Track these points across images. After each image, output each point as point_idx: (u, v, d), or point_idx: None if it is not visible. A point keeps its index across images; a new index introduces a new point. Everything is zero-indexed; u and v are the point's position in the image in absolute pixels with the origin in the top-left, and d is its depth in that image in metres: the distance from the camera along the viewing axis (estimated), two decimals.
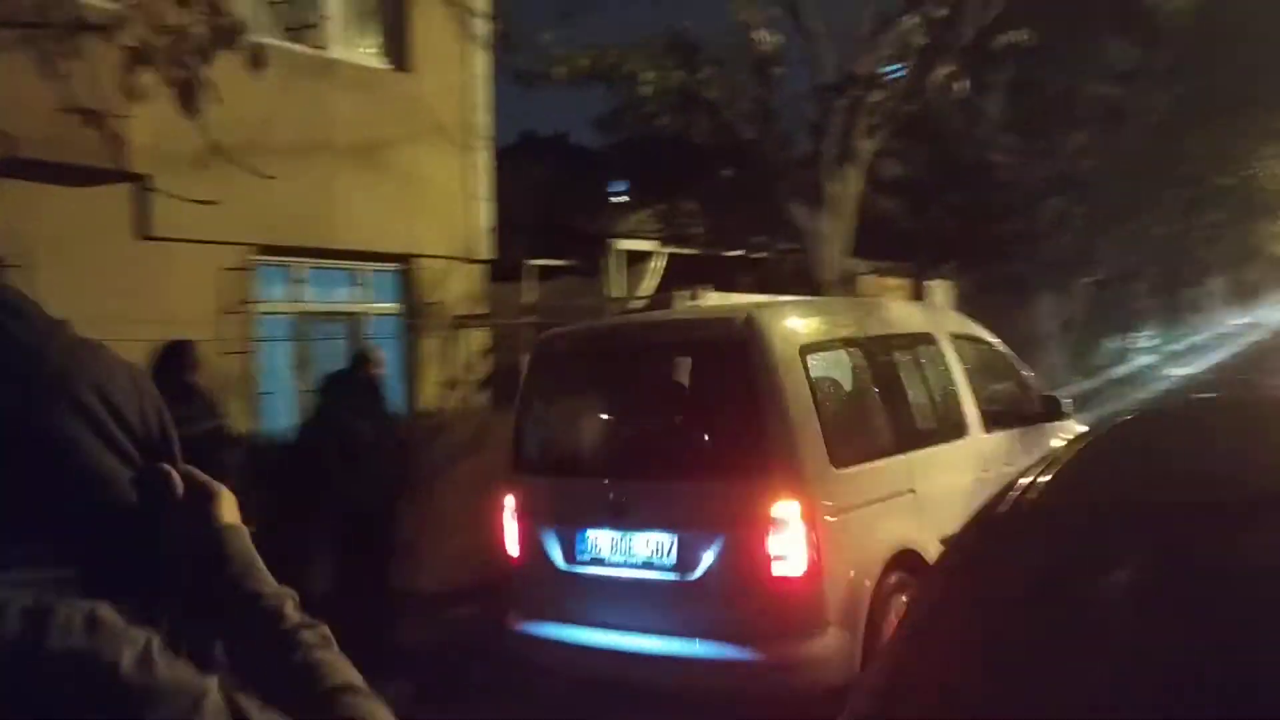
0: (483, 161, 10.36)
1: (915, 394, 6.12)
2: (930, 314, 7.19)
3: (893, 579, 5.15)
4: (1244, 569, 1.74)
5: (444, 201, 9.91)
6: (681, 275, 11.44)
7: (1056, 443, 6.40)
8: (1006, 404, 6.88)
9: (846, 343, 5.84)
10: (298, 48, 8.75)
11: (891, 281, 13.99)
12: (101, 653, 0.86)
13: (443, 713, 5.67)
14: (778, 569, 4.86)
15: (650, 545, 5.19)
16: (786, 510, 4.86)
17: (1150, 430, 2.83)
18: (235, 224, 7.77)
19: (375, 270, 9.51)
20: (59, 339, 1.01)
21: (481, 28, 10.32)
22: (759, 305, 5.94)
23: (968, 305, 14.02)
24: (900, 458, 5.63)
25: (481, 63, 10.38)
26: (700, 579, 5.02)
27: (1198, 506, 1.91)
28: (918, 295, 14.67)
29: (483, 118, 10.40)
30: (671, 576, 5.11)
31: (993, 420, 6.50)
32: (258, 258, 8.36)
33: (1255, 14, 21.27)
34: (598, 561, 5.37)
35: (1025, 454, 6.18)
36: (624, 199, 25.56)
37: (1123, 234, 18.58)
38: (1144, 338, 31.21)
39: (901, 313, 6.86)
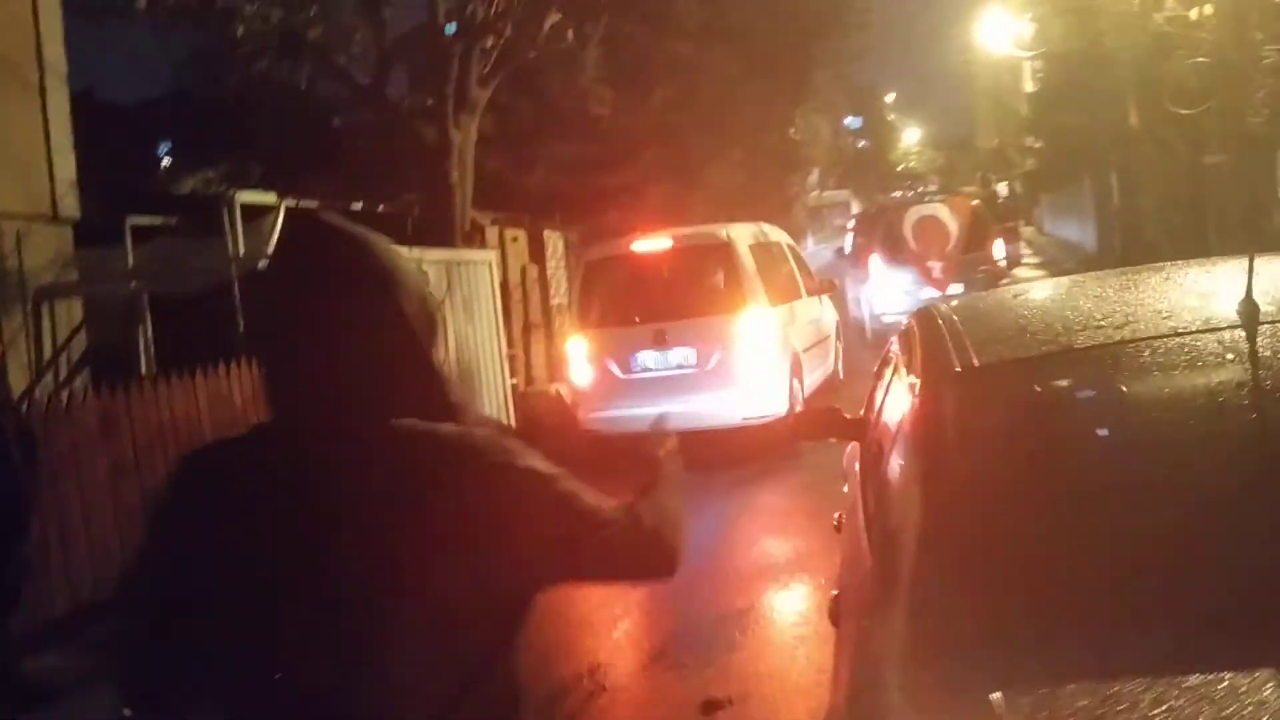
0: (58, 104, 8.82)
1: (782, 271, 10.90)
2: (776, 231, 11.73)
3: (794, 365, 9.88)
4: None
5: (13, 149, 8.32)
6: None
7: (826, 305, 12.39)
8: (807, 280, 11.67)
9: (758, 245, 10.49)
10: None
11: (512, 232, 13.89)
12: (467, 434, 1.48)
13: None
14: (749, 359, 9.39)
15: (680, 356, 9.51)
16: (755, 328, 9.50)
17: (985, 306, 2.93)
18: None
19: None
20: (378, 249, 1.50)
21: None
22: (727, 225, 10.48)
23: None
24: (786, 304, 10.34)
25: None
26: (710, 369, 9.39)
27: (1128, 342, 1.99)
28: (538, 244, 14.72)
29: (54, 51, 8.82)
30: (693, 371, 9.44)
31: (806, 289, 11.41)
32: None
33: None
34: (646, 369, 9.59)
35: (823, 311, 12.11)
36: (173, 158, 23.02)
37: (705, 184, 19.88)
38: None
39: (768, 229, 11.39)
